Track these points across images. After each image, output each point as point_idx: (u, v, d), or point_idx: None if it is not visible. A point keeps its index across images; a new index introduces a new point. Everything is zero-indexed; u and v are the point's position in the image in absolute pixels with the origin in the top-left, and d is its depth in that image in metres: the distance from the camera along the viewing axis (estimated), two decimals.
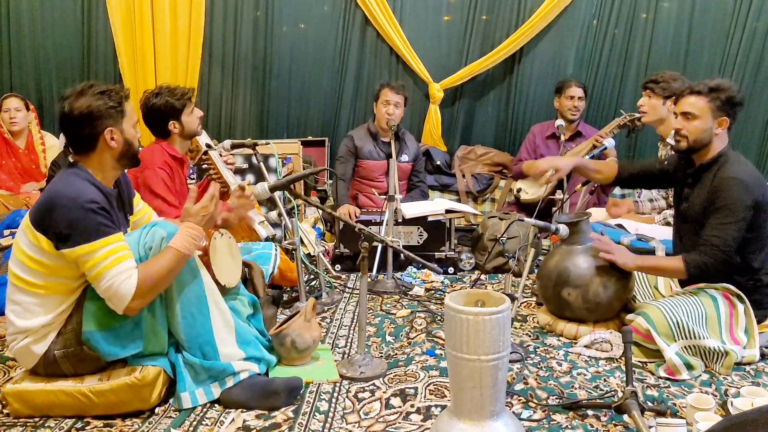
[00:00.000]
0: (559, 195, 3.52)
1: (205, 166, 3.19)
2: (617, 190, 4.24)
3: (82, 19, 4.81)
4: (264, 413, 2.03)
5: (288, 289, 3.21)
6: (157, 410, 2.04)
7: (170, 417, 2.01)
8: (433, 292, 3.29)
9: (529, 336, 2.69)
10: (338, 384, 2.24)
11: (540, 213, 3.22)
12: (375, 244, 2.36)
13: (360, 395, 2.16)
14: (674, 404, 2.07)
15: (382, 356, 2.47)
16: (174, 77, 4.73)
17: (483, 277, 3.52)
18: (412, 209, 3.58)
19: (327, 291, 3.19)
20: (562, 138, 3.77)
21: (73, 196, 1.90)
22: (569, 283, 2.60)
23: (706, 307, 2.38)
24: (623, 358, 2.29)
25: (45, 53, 4.85)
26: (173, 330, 2.06)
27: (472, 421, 1.74)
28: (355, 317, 2.91)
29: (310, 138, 4.91)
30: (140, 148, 2.20)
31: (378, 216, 3.59)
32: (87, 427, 1.97)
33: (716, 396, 2.15)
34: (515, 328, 2.75)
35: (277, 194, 2.87)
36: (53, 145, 4.40)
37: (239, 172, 3.91)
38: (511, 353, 1.91)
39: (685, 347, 2.32)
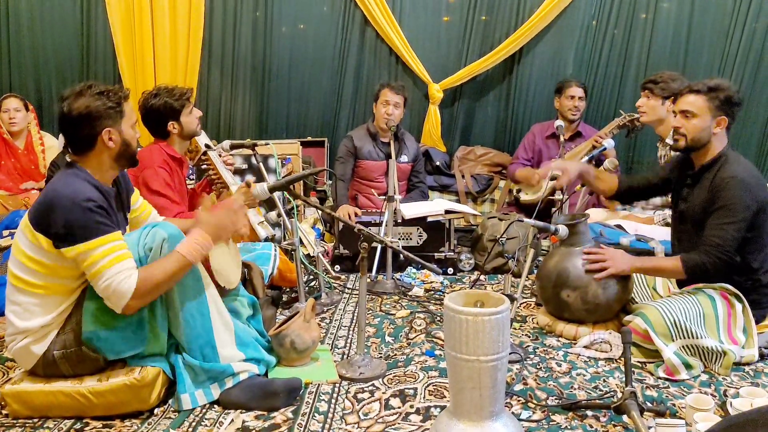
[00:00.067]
0: (558, 195, 3.52)
1: (204, 166, 3.20)
2: None
3: (81, 20, 4.81)
4: (263, 414, 2.02)
5: (287, 289, 3.21)
6: (156, 411, 2.04)
7: (169, 418, 2.01)
8: (432, 292, 3.29)
9: (529, 337, 2.68)
10: (337, 384, 2.24)
11: (539, 213, 3.22)
12: (374, 244, 2.36)
13: (359, 396, 2.16)
14: (673, 405, 2.07)
15: (381, 357, 2.47)
16: (173, 77, 4.73)
17: (482, 277, 3.52)
18: (411, 210, 3.58)
19: (326, 292, 3.18)
20: (562, 138, 3.77)
21: (72, 196, 1.90)
22: (568, 284, 2.60)
23: (704, 307, 2.38)
24: (622, 359, 2.29)
25: (44, 53, 4.85)
26: (173, 331, 2.06)
27: (471, 422, 1.74)
28: (355, 318, 2.91)
29: (309, 138, 4.91)
30: (139, 149, 2.20)
31: (377, 217, 3.59)
32: (86, 428, 1.96)
33: (715, 396, 2.15)
34: (514, 328, 2.75)
35: (277, 195, 2.87)
36: (52, 145, 4.39)
37: (238, 172, 3.90)
38: (510, 354, 1.91)
39: (683, 347, 2.32)
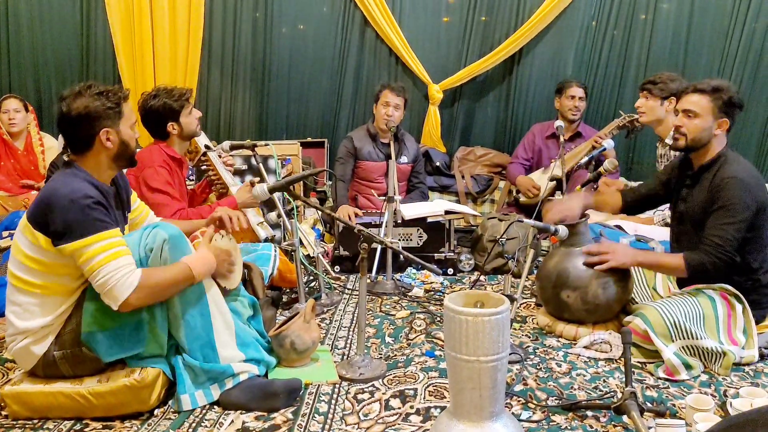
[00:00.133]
0: (558, 196, 3.52)
1: (203, 167, 3.20)
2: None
3: (81, 20, 4.81)
4: (263, 415, 2.02)
5: (287, 290, 3.21)
6: (156, 412, 2.04)
7: (169, 419, 2.01)
8: (432, 293, 3.29)
9: (529, 337, 2.68)
10: (337, 385, 2.23)
11: (539, 214, 3.21)
12: (374, 245, 2.36)
13: (359, 396, 2.16)
14: (673, 405, 2.07)
15: (381, 357, 2.47)
16: (173, 78, 4.73)
17: (482, 278, 3.52)
18: (411, 210, 3.58)
19: (326, 292, 3.18)
20: (562, 138, 3.77)
21: (70, 194, 1.90)
22: (568, 285, 2.60)
23: (704, 308, 2.38)
24: (622, 359, 2.29)
25: (44, 54, 4.85)
26: (173, 332, 2.06)
27: (471, 423, 1.73)
28: (355, 318, 2.91)
29: (309, 139, 4.91)
30: (138, 149, 2.20)
31: (377, 217, 3.59)
32: (86, 429, 1.96)
33: (715, 397, 2.15)
34: (514, 329, 2.75)
35: (277, 195, 2.87)
36: (52, 146, 4.39)
37: (238, 173, 3.90)
38: (510, 354, 1.91)
39: (683, 347, 2.32)
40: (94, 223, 1.90)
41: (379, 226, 3.42)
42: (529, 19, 4.63)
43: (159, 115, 2.91)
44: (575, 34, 4.70)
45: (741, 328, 2.41)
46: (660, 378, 2.27)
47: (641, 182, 3.59)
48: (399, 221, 3.49)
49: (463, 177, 4.71)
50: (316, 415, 2.03)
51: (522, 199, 4.23)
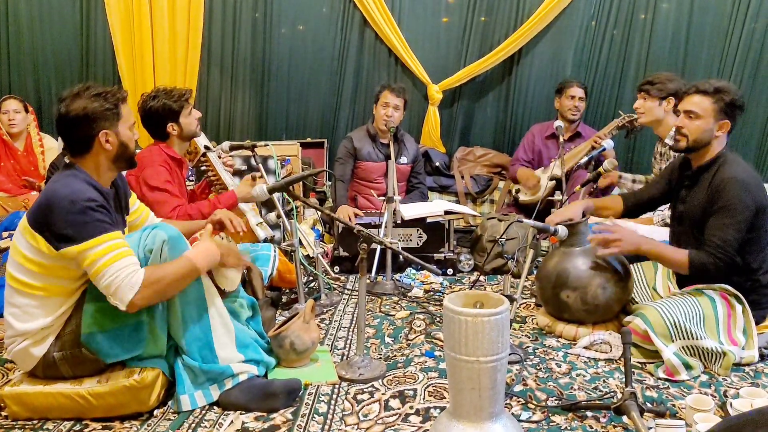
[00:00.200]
0: (558, 196, 3.52)
1: (203, 167, 3.20)
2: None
3: (80, 21, 4.82)
4: (263, 415, 2.02)
5: (287, 290, 3.21)
6: (155, 412, 2.04)
7: (169, 419, 2.01)
8: (432, 293, 3.29)
9: (528, 337, 2.68)
10: (337, 386, 2.23)
11: (539, 214, 3.21)
12: (374, 245, 2.36)
13: (359, 397, 2.15)
14: (673, 405, 2.07)
15: (381, 358, 2.47)
16: (173, 78, 4.73)
17: (482, 278, 3.52)
18: (410, 211, 3.59)
19: (326, 293, 3.18)
20: (562, 139, 3.77)
21: (71, 196, 1.89)
22: (568, 285, 2.60)
23: (704, 308, 2.38)
24: (622, 359, 2.29)
25: (44, 55, 4.86)
26: (173, 333, 2.06)
27: (471, 423, 1.73)
28: (354, 319, 2.91)
29: (308, 139, 4.92)
30: (137, 150, 2.20)
31: (377, 218, 3.59)
32: (85, 430, 1.96)
33: (715, 397, 2.14)
34: (514, 329, 2.75)
35: (276, 196, 2.87)
36: (52, 147, 4.39)
37: (238, 173, 3.91)
38: (510, 354, 1.90)
39: (682, 347, 2.32)
40: (96, 225, 1.90)
41: (378, 226, 3.42)
42: (528, 19, 4.64)
43: (159, 115, 2.90)
44: (575, 34, 4.70)
45: (741, 329, 2.41)
46: (660, 378, 2.27)
47: (637, 175, 3.59)
48: (398, 221, 3.49)
49: (462, 177, 4.71)
50: (315, 415, 2.03)
51: (522, 198, 4.23)
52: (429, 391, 2.17)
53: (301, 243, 2.98)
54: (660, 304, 2.39)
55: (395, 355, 2.49)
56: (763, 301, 2.50)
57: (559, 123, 3.94)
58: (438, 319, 2.88)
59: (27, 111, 4.27)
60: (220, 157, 3.24)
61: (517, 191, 4.29)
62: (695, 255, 2.41)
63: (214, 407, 2.07)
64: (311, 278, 3.35)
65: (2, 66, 4.84)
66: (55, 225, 1.88)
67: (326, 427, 1.97)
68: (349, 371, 2.29)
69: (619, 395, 2.09)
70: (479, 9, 4.75)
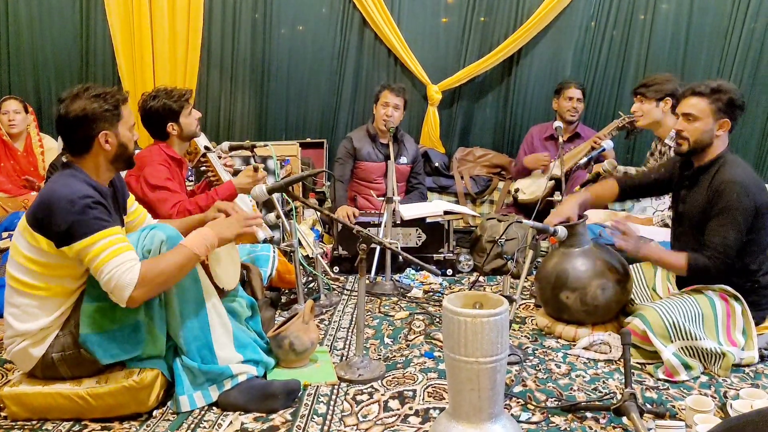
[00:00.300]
0: (557, 197, 3.51)
1: (203, 168, 3.20)
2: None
3: (80, 21, 4.82)
4: (262, 416, 2.02)
5: (286, 291, 3.21)
6: (154, 413, 2.04)
7: (168, 420, 2.00)
8: (431, 294, 3.29)
9: (528, 338, 2.68)
10: (336, 386, 2.23)
11: (539, 215, 3.21)
12: (373, 246, 2.36)
13: (358, 398, 2.15)
14: (673, 406, 2.07)
15: (380, 358, 2.47)
16: (173, 79, 4.73)
17: (481, 278, 3.52)
18: (410, 211, 3.58)
19: (325, 293, 3.18)
20: (561, 139, 3.77)
21: (70, 195, 1.89)
22: (567, 286, 2.60)
23: (703, 308, 2.38)
24: (622, 360, 2.29)
25: (44, 56, 4.86)
26: (172, 333, 2.06)
27: (470, 424, 1.73)
28: (354, 319, 2.90)
29: (308, 140, 4.91)
30: (136, 151, 2.20)
31: (376, 218, 3.59)
32: (84, 430, 1.96)
33: (715, 398, 2.14)
34: (513, 330, 2.75)
35: (276, 196, 2.87)
36: (52, 147, 4.39)
37: (237, 174, 3.90)
38: (509, 355, 1.91)
39: (682, 348, 2.32)
40: (95, 222, 1.90)
41: (378, 226, 3.42)
42: (528, 19, 4.63)
43: (159, 115, 2.90)
44: (574, 34, 4.70)
45: (740, 329, 2.41)
46: (660, 379, 2.27)
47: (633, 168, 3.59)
48: (398, 222, 3.49)
49: (462, 177, 4.71)
50: (314, 416, 2.03)
51: (521, 197, 4.22)
52: (428, 392, 2.17)
53: (300, 243, 2.98)
54: (659, 305, 2.39)
55: (394, 356, 2.49)
56: (763, 302, 2.50)
57: (558, 124, 3.94)
58: (437, 319, 2.88)
59: (27, 111, 4.27)
60: (220, 157, 3.24)
61: (516, 190, 4.28)
62: (695, 259, 2.41)
63: (213, 408, 2.07)
64: (310, 279, 3.35)
65: (2, 66, 4.84)
66: (55, 224, 1.88)
67: (325, 427, 1.97)
68: (349, 372, 2.28)
69: (619, 396, 2.09)
70: (479, 9, 4.74)
